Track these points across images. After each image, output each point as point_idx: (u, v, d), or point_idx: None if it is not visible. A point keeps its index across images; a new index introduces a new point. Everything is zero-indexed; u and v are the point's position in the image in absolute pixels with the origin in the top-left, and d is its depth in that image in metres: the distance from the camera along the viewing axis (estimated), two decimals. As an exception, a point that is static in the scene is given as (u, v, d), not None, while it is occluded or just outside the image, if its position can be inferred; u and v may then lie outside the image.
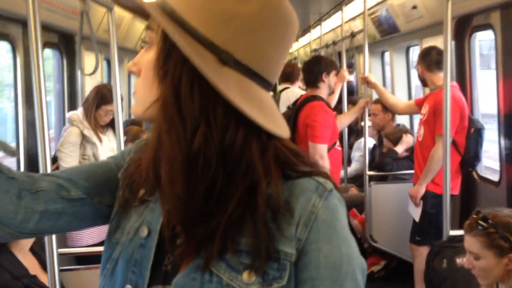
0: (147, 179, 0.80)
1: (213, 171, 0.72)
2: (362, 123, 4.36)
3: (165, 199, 0.77)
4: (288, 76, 5.17)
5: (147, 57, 0.79)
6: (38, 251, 2.30)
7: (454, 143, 3.26)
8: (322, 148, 3.37)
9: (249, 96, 0.73)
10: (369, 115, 4.39)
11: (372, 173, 4.12)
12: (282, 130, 0.77)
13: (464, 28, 3.73)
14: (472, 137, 3.29)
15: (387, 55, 6.02)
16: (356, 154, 5.13)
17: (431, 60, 3.44)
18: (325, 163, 3.36)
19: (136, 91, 0.82)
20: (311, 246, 0.73)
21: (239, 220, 0.73)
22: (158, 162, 0.77)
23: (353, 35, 5.01)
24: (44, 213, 0.83)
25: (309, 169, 0.78)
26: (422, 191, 3.35)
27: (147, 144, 0.82)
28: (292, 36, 0.78)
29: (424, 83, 3.63)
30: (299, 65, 6.40)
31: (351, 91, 6.25)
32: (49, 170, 1.89)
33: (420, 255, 3.41)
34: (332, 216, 0.74)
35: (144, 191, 0.83)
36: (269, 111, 0.76)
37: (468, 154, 3.30)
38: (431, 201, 3.32)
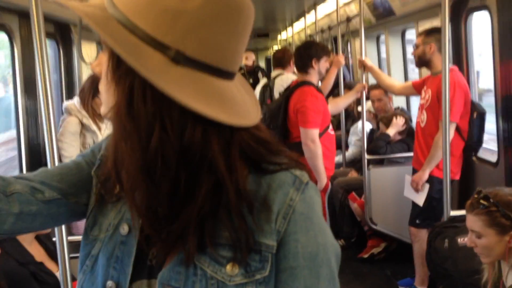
0: None
1: (173, 173, 0.72)
2: (359, 108, 4.37)
3: (130, 206, 0.77)
4: (279, 62, 5.14)
5: (105, 59, 0.76)
6: (44, 240, 2.31)
7: (458, 128, 3.22)
8: (313, 133, 3.38)
9: (206, 92, 0.72)
10: (367, 99, 4.41)
11: (370, 157, 4.14)
12: (246, 119, 0.76)
13: (460, 10, 3.72)
14: (475, 122, 3.23)
15: (382, 39, 6.02)
16: (352, 139, 5.16)
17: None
18: (317, 147, 3.37)
19: (101, 92, 0.80)
20: (290, 237, 0.75)
21: (213, 215, 0.73)
22: (118, 169, 0.76)
23: (348, 19, 5.02)
24: (20, 215, 0.83)
25: (285, 160, 0.79)
26: (425, 177, 3.29)
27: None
28: (247, 22, 0.75)
29: (423, 63, 3.36)
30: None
31: (343, 77, 6.25)
32: (56, 160, 1.91)
33: (420, 239, 3.42)
34: (308, 208, 0.77)
35: (119, 187, 0.82)
36: (230, 103, 0.74)
37: (471, 139, 3.24)
38: (437, 187, 3.23)
